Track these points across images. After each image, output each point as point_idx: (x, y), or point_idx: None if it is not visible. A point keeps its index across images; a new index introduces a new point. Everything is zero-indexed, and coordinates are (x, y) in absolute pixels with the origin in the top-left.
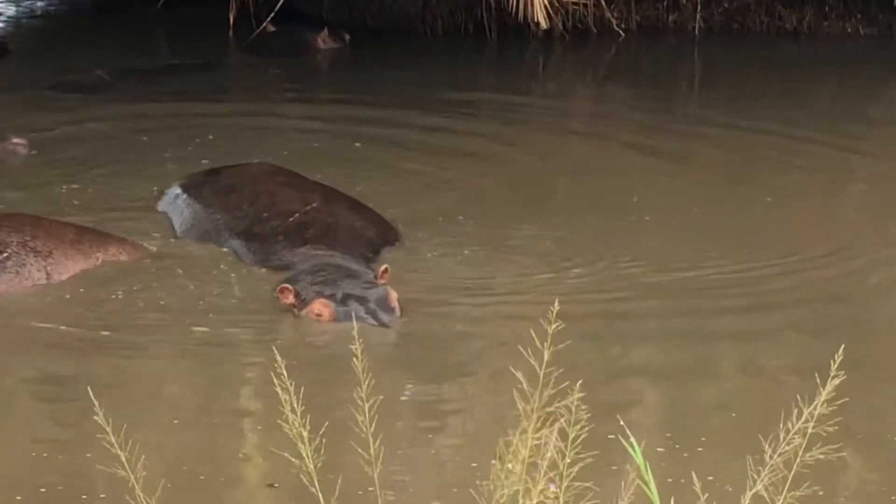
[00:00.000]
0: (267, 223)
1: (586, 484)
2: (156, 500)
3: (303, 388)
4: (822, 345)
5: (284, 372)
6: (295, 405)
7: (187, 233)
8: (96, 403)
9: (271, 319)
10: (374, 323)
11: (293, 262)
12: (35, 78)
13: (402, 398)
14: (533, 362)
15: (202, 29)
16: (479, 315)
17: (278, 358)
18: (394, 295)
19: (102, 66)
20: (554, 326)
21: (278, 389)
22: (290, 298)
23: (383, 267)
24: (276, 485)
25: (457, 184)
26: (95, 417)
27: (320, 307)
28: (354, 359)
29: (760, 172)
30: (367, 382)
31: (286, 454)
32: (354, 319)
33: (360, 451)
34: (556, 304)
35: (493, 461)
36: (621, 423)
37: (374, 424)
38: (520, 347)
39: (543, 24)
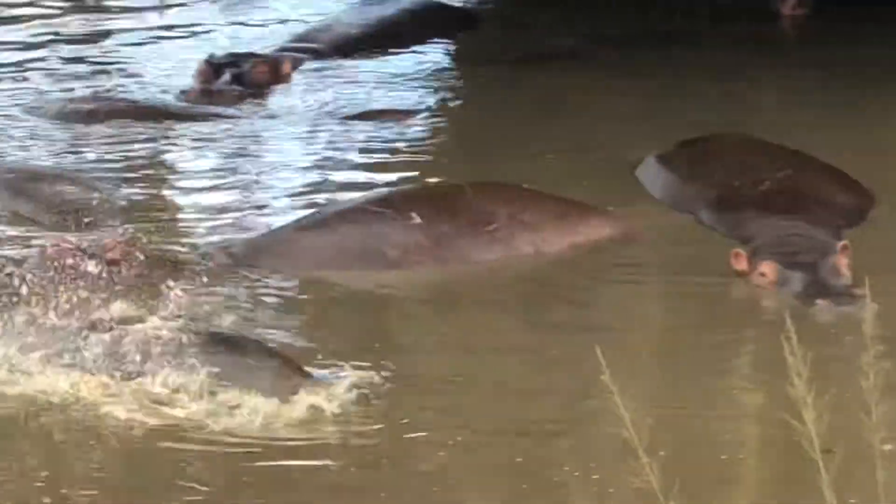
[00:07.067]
0: (737, 192)
1: None
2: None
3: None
4: None
5: (794, 336)
6: (801, 369)
7: (661, 201)
8: (603, 362)
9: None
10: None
11: (760, 232)
12: (505, 49)
13: None
14: None
15: None
16: None
17: (788, 323)
18: (844, 261)
19: (576, 35)
20: None
21: (787, 354)
22: (743, 264)
23: (842, 243)
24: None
25: None
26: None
27: (766, 267)
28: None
29: None
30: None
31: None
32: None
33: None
34: None
35: None
36: None
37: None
38: None
39: None
